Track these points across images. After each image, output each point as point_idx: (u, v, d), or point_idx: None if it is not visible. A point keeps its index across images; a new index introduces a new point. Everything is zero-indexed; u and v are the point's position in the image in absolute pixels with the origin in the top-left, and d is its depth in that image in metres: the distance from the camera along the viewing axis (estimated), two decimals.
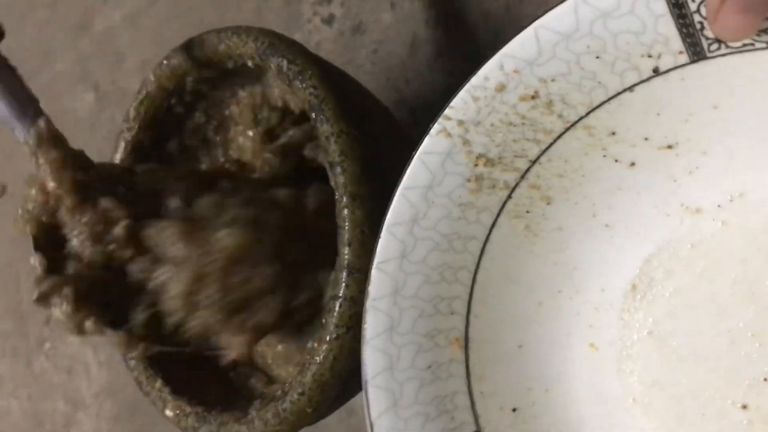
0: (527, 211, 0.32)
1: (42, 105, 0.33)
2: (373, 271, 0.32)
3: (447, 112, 0.30)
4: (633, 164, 0.32)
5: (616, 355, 0.33)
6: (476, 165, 0.31)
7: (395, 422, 0.32)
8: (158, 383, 0.38)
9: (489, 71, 0.29)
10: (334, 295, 0.32)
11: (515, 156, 0.31)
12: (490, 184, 0.31)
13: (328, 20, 0.50)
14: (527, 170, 0.31)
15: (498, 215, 0.32)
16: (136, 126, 0.40)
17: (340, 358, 0.32)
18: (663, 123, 0.30)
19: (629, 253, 0.33)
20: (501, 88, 0.29)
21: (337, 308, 0.32)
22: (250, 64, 0.37)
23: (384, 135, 0.36)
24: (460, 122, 0.30)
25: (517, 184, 0.32)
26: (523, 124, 0.30)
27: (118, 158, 0.42)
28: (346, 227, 0.32)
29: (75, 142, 0.34)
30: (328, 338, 0.32)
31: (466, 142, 0.30)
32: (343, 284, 0.32)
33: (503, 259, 0.33)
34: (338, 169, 0.32)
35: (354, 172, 0.32)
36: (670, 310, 0.32)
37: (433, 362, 0.32)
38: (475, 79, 0.29)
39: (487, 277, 0.33)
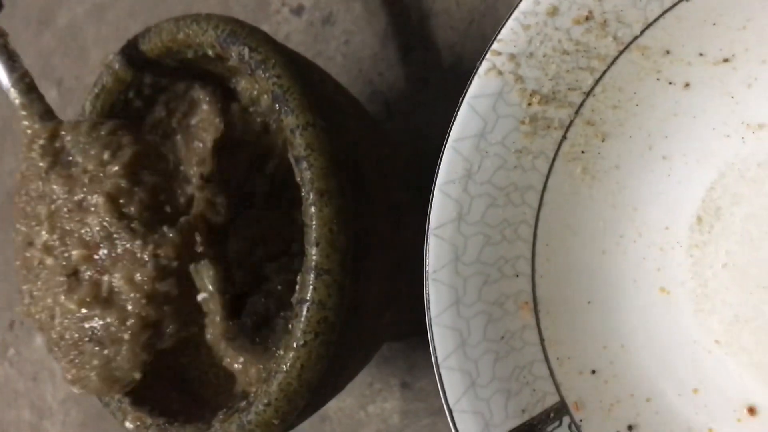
0: (583, 152, 0.30)
1: (5, 101, 0.32)
2: (430, 239, 0.28)
3: (495, 46, 0.27)
4: (687, 85, 0.29)
5: (690, 295, 0.31)
6: (530, 104, 0.28)
7: (476, 404, 0.28)
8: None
9: None
10: (301, 298, 0.29)
11: (569, 89, 0.28)
12: (544, 124, 0.28)
13: (297, 11, 0.46)
14: (581, 104, 0.29)
15: (554, 159, 0.29)
16: None
17: (308, 366, 0.29)
18: (719, 34, 0.28)
19: (690, 183, 0.31)
20: (553, 11, 0.26)
21: (304, 313, 0.29)
22: (210, 53, 0.34)
23: (354, 126, 0.34)
24: (511, 56, 0.27)
25: (571, 122, 0.29)
26: (577, 50, 0.27)
27: None
28: (314, 226, 0.29)
29: None
30: (295, 345, 0.29)
31: (518, 79, 0.27)
32: (311, 287, 0.29)
33: (562, 208, 0.30)
34: (304, 164, 0.29)
35: (321, 167, 0.29)
36: (744, 236, 0.30)
37: (506, 332, 0.29)
38: (525, 5, 0.26)
39: (548, 231, 0.30)
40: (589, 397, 0.30)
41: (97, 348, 0.32)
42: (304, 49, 0.46)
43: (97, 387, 0.32)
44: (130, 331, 0.31)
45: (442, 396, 0.28)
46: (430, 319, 0.28)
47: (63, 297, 0.32)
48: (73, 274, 0.32)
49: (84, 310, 0.32)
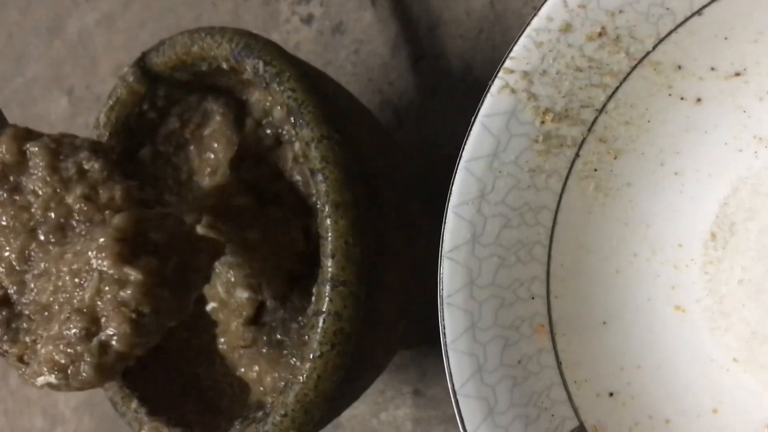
0: (595, 169, 0.29)
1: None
2: (444, 262, 0.27)
3: (508, 63, 0.26)
4: (699, 100, 0.29)
5: (706, 313, 0.30)
6: (543, 122, 0.27)
7: None
8: (134, 404, 0.35)
9: (552, 10, 0.26)
10: (318, 310, 0.29)
11: (582, 106, 0.28)
12: (557, 142, 0.28)
13: (307, 20, 0.46)
14: (594, 121, 0.28)
15: (567, 178, 0.29)
16: (107, 133, 0.36)
17: (324, 377, 0.29)
18: (731, 48, 0.28)
19: (703, 198, 0.30)
20: (566, 28, 0.26)
21: (320, 324, 0.29)
22: (225, 66, 0.34)
23: (367, 138, 0.34)
24: (525, 74, 0.26)
25: (584, 139, 0.28)
26: (590, 67, 0.27)
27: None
28: (329, 238, 0.29)
29: None
30: (311, 356, 0.29)
31: (531, 97, 0.27)
32: (327, 298, 0.29)
33: (576, 227, 0.29)
34: (319, 177, 0.29)
35: (336, 179, 0.29)
36: (760, 252, 0.30)
37: (523, 356, 0.28)
38: (537, 21, 0.26)
39: (562, 251, 0.29)
40: (608, 421, 0.29)
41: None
42: (314, 57, 0.46)
43: (87, 378, 0.27)
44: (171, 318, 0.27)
45: (460, 425, 0.27)
46: (445, 345, 0.27)
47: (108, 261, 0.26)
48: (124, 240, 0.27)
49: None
